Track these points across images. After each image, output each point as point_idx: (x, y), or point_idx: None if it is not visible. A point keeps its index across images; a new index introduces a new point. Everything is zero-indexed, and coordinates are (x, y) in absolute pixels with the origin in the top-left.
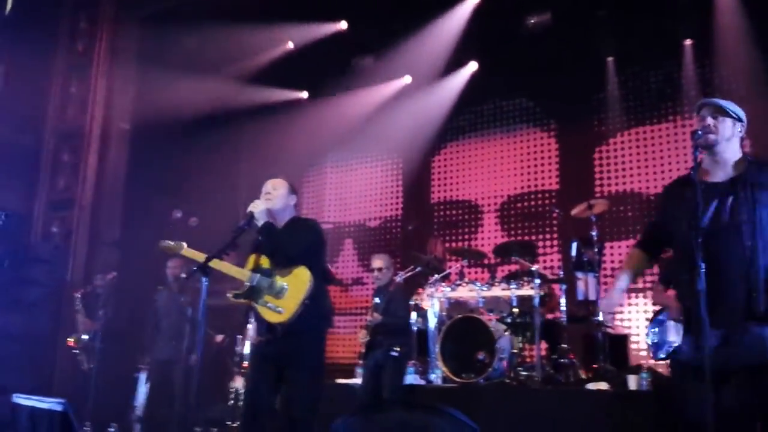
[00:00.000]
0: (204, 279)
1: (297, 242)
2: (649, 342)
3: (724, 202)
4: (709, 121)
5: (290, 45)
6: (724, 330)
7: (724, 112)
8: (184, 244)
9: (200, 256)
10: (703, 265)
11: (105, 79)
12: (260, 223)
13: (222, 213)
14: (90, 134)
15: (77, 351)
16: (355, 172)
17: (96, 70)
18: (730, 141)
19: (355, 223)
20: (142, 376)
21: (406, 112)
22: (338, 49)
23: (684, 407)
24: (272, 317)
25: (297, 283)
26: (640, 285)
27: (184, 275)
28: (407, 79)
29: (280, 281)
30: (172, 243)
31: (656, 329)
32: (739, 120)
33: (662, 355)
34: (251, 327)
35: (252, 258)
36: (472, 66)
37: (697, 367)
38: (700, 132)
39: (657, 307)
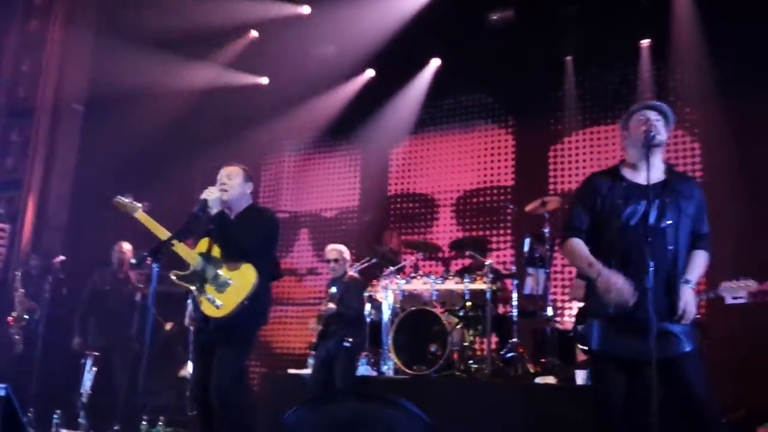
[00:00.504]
0: (155, 265)
1: (250, 236)
2: (577, 335)
3: (651, 204)
4: (656, 122)
5: (254, 33)
6: (643, 324)
7: (666, 118)
8: (140, 207)
9: (153, 224)
10: (652, 264)
11: (58, 58)
12: (214, 211)
13: (176, 198)
14: (40, 114)
15: (14, 331)
16: (313, 162)
17: (49, 48)
18: (664, 146)
19: (311, 213)
20: (88, 362)
21: (366, 104)
22: (300, 36)
23: (598, 394)
24: (209, 309)
25: (241, 282)
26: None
27: (133, 260)
28: (370, 73)
29: (226, 275)
30: (128, 201)
31: (582, 323)
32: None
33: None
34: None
35: (204, 242)
36: (435, 62)
37: (610, 355)
38: (652, 133)
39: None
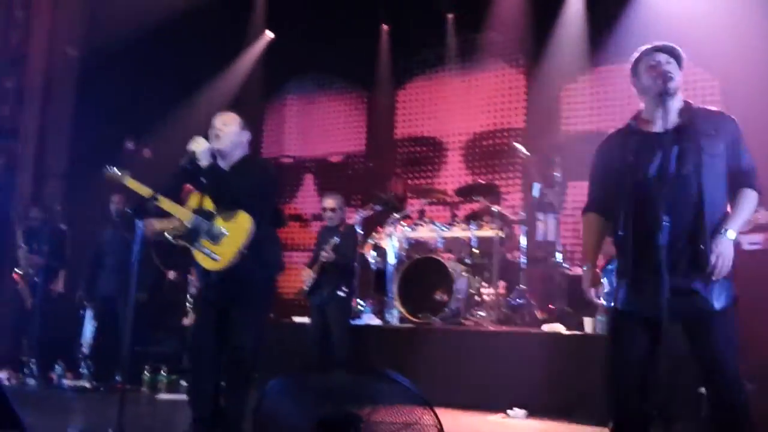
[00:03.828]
0: (140, 222)
1: (244, 185)
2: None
3: (669, 152)
4: (668, 66)
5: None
6: (668, 282)
7: (679, 58)
8: (127, 174)
9: (142, 189)
10: (666, 219)
11: (50, 3)
12: (203, 163)
13: (178, 144)
14: (35, 60)
15: (21, 288)
16: (317, 105)
17: None
18: (679, 89)
19: (316, 158)
20: (89, 313)
21: (373, 45)
22: None
23: (618, 354)
24: (207, 263)
25: (237, 230)
26: None
27: (129, 210)
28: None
29: (220, 226)
30: (116, 172)
31: (606, 278)
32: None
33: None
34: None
35: (195, 197)
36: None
37: (634, 315)
38: (668, 84)
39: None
